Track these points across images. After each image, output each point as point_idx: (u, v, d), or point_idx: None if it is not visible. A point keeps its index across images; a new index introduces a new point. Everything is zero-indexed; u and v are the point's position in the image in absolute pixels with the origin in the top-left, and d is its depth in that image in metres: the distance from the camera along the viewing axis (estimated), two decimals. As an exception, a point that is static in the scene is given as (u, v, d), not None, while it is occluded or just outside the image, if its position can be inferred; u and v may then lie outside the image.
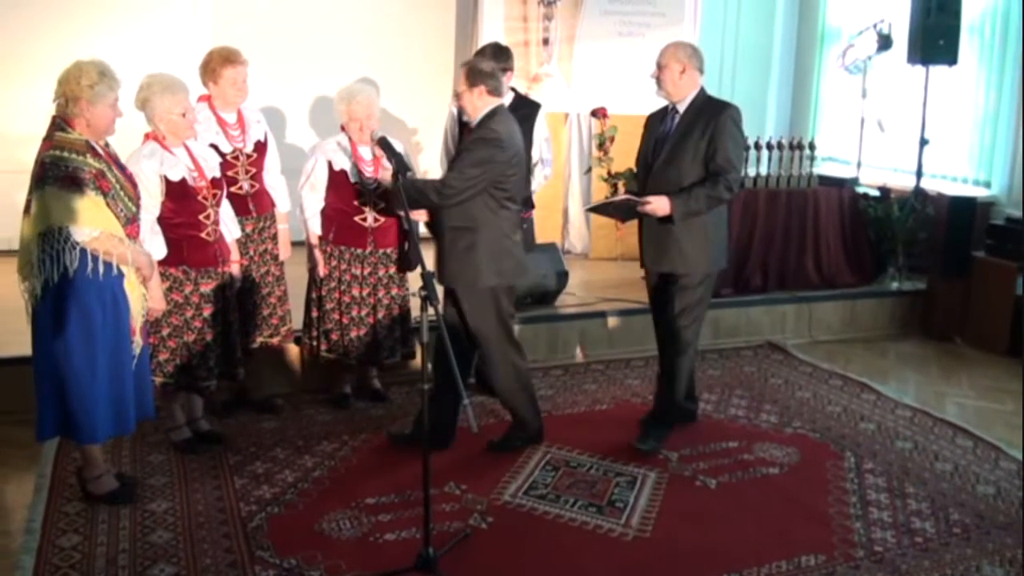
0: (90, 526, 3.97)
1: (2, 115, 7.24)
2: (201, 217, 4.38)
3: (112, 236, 3.81)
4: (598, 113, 5.23)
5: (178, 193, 4.28)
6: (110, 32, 7.31)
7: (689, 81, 4.72)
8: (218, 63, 4.80)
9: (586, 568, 3.76)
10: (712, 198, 4.65)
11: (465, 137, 4.89)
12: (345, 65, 6.17)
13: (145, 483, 4.37)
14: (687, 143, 4.68)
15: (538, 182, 5.78)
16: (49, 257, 3.72)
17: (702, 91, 4.78)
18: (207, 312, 4.48)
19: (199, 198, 4.36)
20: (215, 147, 4.73)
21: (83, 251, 3.75)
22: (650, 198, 4.66)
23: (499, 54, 5.37)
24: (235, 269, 4.65)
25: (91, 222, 3.74)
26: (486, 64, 4.62)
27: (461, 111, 4.97)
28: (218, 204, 4.46)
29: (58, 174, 3.70)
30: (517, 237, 4.63)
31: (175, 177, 4.29)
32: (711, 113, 4.68)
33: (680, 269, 4.77)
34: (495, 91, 4.53)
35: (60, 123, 3.81)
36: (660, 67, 4.78)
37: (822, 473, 4.65)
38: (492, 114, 4.51)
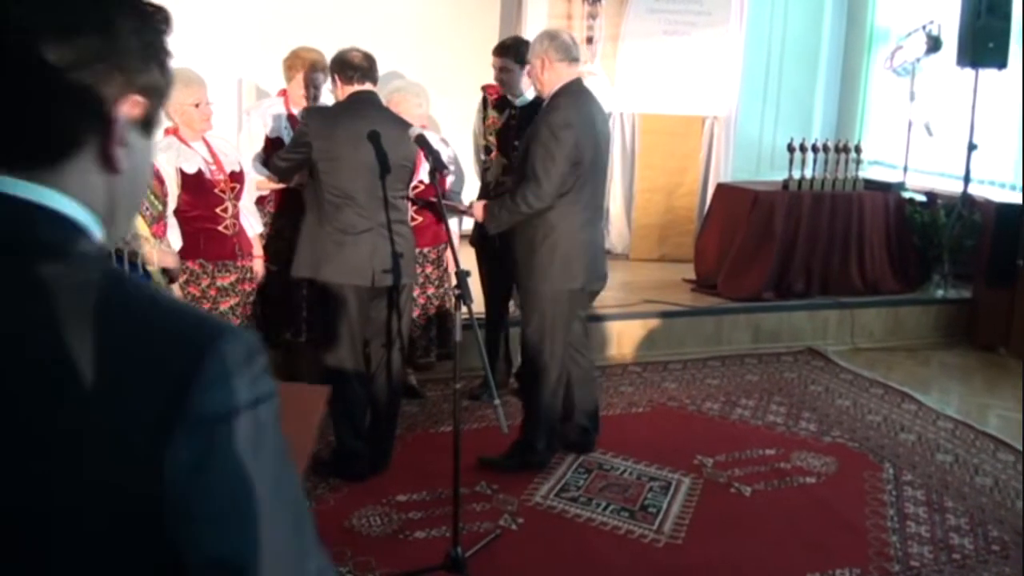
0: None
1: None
2: (218, 210, 4.35)
3: (137, 237, 3.81)
4: (487, 91, 5.15)
5: (194, 185, 4.27)
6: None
7: (553, 76, 4.35)
8: (302, 64, 4.92)
9: (616, 574, 3.73)
10: (511, 210, 4.32)
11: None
12: (390, 66, 6.16)
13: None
14: (522, 144, 4.47)
15: None
16: None
17: (566, 86, 4.34)
18: (224, 306, 4.46)
19: (216, 191, 4.35)
20: (280, 140, 4.81)
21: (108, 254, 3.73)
22: (477, 203, 4.58)
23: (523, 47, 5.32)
24: (257, 264, 4.64)
25: None
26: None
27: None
28: (237, 197, 4.44)
29: None
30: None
31: (191, 169, 4.28)
32: (541, 114, 4.40)
33: (522, 281, 4.51)
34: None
35: None
36: (530, 64, 4.51)
37: (859, 484, 4.58)
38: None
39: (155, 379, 0.86)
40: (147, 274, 3.90)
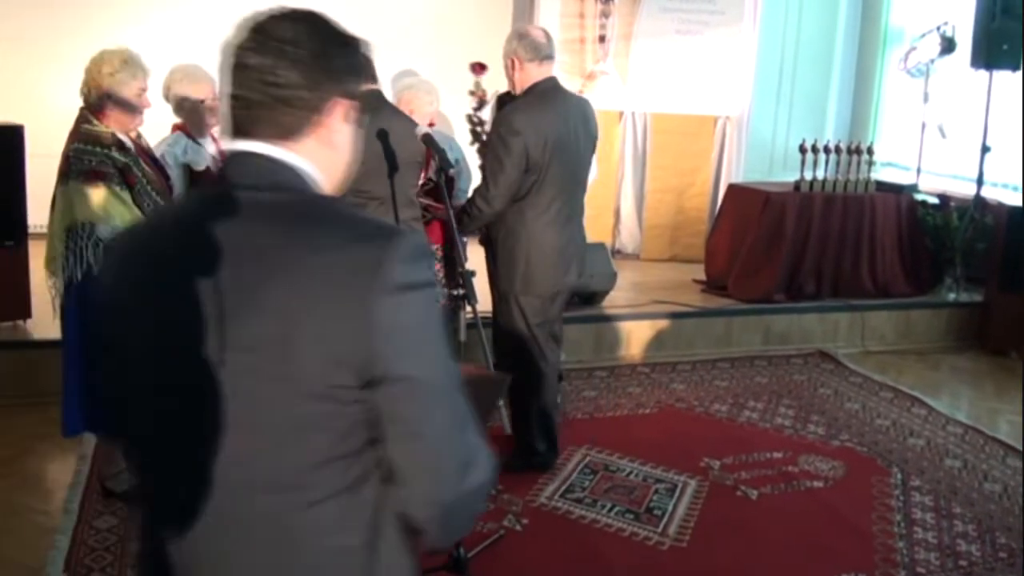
0: (127, 509, 3.99)
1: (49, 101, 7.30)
2: None
3: None
4: (477, 68, 5.07)
5: (202, 183, 4.27)
6: (162, 21, 7.36)
7: (524, 76, 4.28)
8: None
9: (618, 575, 3.72)
10: (469, 213, 4.31)
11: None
12: (399, 63, 6.16)
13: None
14: None
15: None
16: (73, 254, 3.65)
17: (534, 86, 4.28)
18: None
19: None
20: None
21: (102, 248, 3.66)
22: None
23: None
24: None
25: (116, 218, 3.66)
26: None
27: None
28: None
29: (81, 168, 3.63)
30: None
31: (199, 166, 4.27)
32: (498, 115, 4.36)
33: (492, 286, 4.49)
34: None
35: (86, 115, 3.74)
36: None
37: (867, 489, 4.55)
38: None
39: (359, 258, 1.31)
40: None
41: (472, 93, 5.08)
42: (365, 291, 1.29)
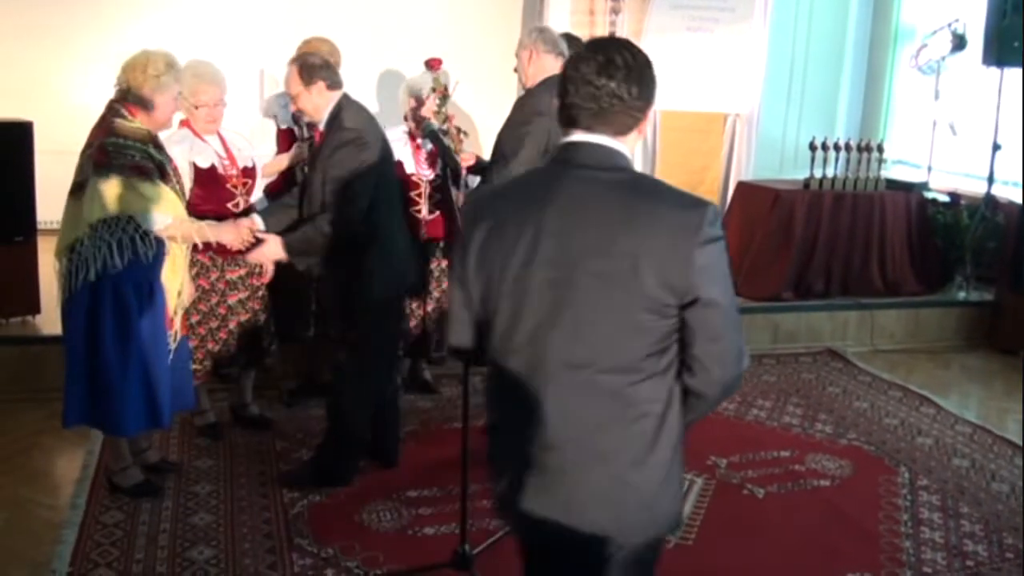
0: (133, 504, 4.02)
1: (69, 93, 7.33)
2: (230, 205, 4.33)
3: (183, 220, 3.81)
4: (433, 64, 5.05)
5: (206, 180, 4.27)
6: (174, 18, 7.38)
7: (538, 67, 4.43)
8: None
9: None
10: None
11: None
12: (410, 61, 6.16)
13: (191, 465, 4.41)
14: None
15: None
16: (107, 244, 3.65)
17: (549, 78, 4.26)
18: (232, 299, 4.46)
19: (228, 186, 4.34)
20: (291, 132, 4.81)
21: (143, 238, 3.72)
22: (458, 194, 4.63)
23: (571, 43, 5.28)
24: None
25: (164, 210, 3.72)
26: (315, 57, 4.19)
27: (296, 115, 4.78)
28: (249, 193, 4.42)
29: (125, 162, 3.65)
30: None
31: (204, 164, 4.27)
32: (517, 101, 4.53)
33: None
34: (335, 84, 4.09)
35: (119, 109, 3.76)
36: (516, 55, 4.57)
37: (874, 488, 4.53)
38: (337, 111, 4.07)
39: (684, 220, 1.96)
40: (160, 263, 3.88)
41: (433, 90, 5.07)
42: (689, 243, 1.95)
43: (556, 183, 2.06)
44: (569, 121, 2.08)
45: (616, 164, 2.06)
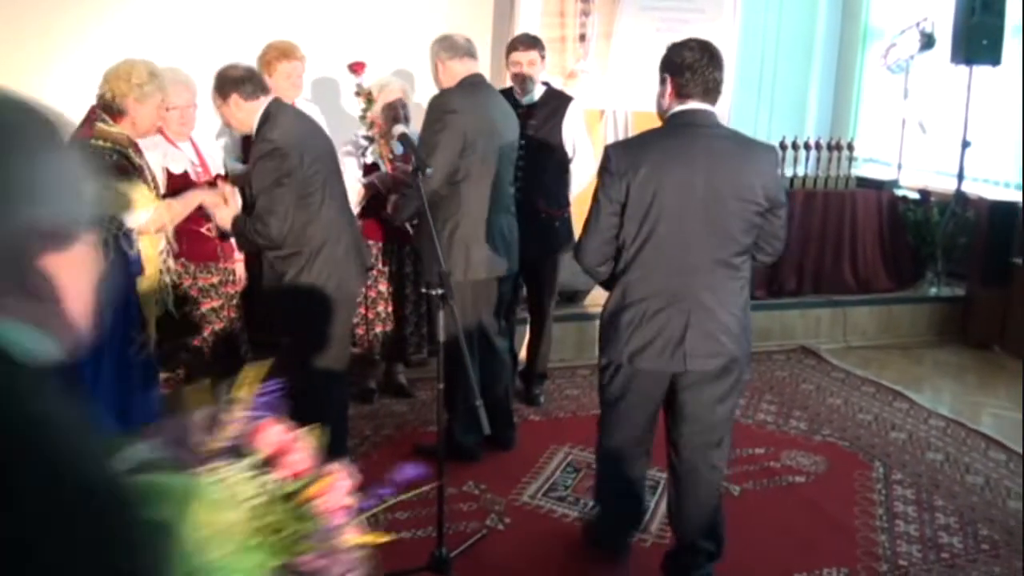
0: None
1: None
2: (201, 213, 4.33)
3: (160, 207, 3.81)
4: (355, 68, 5.04)
5: (179, 186, 4.24)
6: (132, 17, 7.33)
7: (448, 75, 4.49)
8: (273, 56, 4.88)
9: (602, 574, 3.71)
10: (406, 195, 4.52)
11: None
12: (377, 59, 6.15)
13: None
14: None
15: (576, 180, 5.40)
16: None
17: (461, 81, 4.46)
18: (205, 307, 4.42)
19: None
20: None
21: (133, 237, 3.73)
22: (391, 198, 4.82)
23: (539, 42, 5.27)
24: (239, 267, 4.58)
25: (143, 206, 3.72)
26: (234, 69, 4.05)
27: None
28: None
29: (102, 163, 3.63)
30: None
31: (177, 170, 4.25)
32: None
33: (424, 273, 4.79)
34: (252, 93, 3.99)
35: (100, 114, 3.75)
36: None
37: (849, 483, 4.56)
38: (264, 119, 3.98)
39: (770, 156, 3.36)
40: (139, 270, 3.84)
41: (358, 94, 5.08)
42: (773, 170, 3.30)
43: (694, 138, 3.22)
44: (685, 92, 3.23)
45: (719, 124, 3.31)
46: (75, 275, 1.07)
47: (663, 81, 3.30)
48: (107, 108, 3.75)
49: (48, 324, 1.05)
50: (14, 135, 1.02)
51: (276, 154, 3.86)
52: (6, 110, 1.03)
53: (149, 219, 3.76)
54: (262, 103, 3.99)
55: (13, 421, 0.93)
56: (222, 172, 4.43)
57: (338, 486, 1.44)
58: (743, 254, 3.25)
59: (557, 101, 5.24)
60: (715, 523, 3.58)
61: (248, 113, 3.98)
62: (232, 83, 3.96)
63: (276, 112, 3.99)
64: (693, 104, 3.21)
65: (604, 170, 3.28)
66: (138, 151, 3.81)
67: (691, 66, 3.18)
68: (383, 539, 1.57)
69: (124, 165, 3.69)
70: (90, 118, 3.77)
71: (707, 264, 3.20)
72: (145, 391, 3.97)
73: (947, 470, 4.77)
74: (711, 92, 3.22)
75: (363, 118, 5.09)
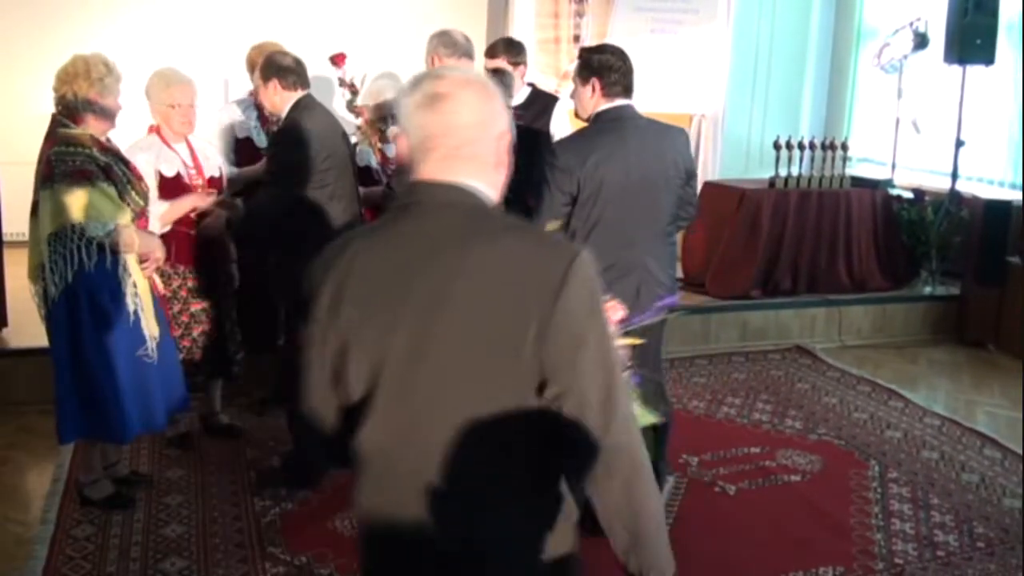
0: (105, 517, 3.98)
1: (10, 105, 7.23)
2: (193, 214, 4.30)
3: (126, 227, 3.74)
4: (336, 60, 5.06)
5: (171, 188, 4.23)
6: (133, 25, 7.33)
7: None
8: (257, 55, 4.87)
9: (596, 573, 3.71)
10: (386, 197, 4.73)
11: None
12: (372, 60, 6.17)
13: (162, 476, 4.38)
14: None
15: None
16: (62, 257, 3.61)
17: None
18: (195, 307, 4.43)
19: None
20: (250, 141, 4.82)
21: (99, 246, 3.67)
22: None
23: (511, 48, 5.30)
24: (232, 268, 4.57)
25: (105, 216, 3.66)
26: (282, 57, 4.29)
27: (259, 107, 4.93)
28: None
29: (66, 169, 3.61)
30: None
31: (169, 172, 4.24)
32: None
33: None
34: (293, 84, 4.22)
35: (62, 120, 3.73)
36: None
37: (845, 482, 4.57)
38: (295, 107, 4.22)
39: (684, 135, 4.01)
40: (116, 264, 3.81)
41: (342, 84, 5.14)
42: (686, 147, 3.94)
43: (626, 127, 3.62)
44: (616, 92, 3.62)
45: (639, 115, 3.69)
46: None
47: (585, 83, 3.70)
48: (68, 111, 3.73)
49: None
50: None
51: (286, 142, 4.16)
52: None
53: (111, 232, 3.67)
54: (298, 95, 4.23)
55: None
56: (215, 175, 4.42)
57: None
58: (672, 222, 3.83)
59: (544, 101, 5.29)
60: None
61: (283, 100, 4.22)
62: (277, 70, 4.19)
63: (310, 104, 4.23)
64: (620, 101, 3.65)
65: (554, 167, 3.66)
66: (103, 148, 3.77)
67: (614, 67, 3.63)
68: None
69: (86, 169, 3.64)
70: (52, 128, 3.74)
71: (648, 236, 3.71)
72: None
73: (942, 468, 4.78)
74: (630, 89, 3.67)
75: (350, 109, 5.18)
